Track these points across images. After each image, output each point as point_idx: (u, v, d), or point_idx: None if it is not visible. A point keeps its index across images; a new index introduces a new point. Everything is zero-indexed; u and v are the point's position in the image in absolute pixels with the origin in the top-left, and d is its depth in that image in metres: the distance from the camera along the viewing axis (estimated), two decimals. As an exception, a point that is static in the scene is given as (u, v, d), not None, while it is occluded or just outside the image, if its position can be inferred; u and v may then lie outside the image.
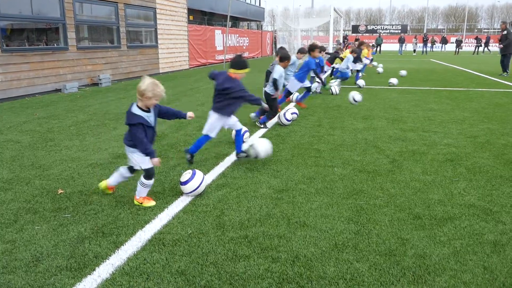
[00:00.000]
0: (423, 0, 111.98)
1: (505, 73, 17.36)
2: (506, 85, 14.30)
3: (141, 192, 4.04)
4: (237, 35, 29.41)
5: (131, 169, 4.14)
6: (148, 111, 3.85)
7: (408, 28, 76.20)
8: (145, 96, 3.70)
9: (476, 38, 44.45)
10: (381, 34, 55.60)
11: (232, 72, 5.12)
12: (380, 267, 2.95)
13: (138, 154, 3.90)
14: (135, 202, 4.07)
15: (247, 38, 31.77)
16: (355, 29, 72.15)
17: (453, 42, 46.80)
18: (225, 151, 5.95)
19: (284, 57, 7.44)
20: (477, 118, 8.31)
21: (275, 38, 36.24)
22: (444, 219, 3.74)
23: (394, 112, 8.99)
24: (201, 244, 3.27)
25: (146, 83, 3.70)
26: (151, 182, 4.02)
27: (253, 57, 32.68)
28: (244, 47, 30.87)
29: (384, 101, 10.67)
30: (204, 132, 5.29)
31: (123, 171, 4.16)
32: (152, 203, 4.07)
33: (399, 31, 67.86)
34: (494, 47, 32.20)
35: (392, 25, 76.81)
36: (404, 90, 12.85)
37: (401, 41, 41.02)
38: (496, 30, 68.24)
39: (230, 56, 26.10)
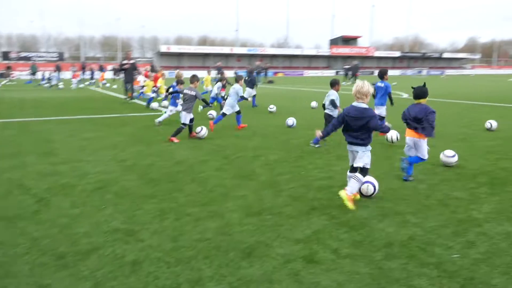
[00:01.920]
0: (78, 28, 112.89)
1: (128, 98, 18.61)
2: (153, 109, 15.95)
3: (354, 188, 4.76)
4: None
5: (354, 169, 4.99)
6: None
7: (66, 55, 75.02)
8: (368, 95, 4.74)
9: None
10: (36, 61, 52.54)
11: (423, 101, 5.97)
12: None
13: (367, 152, 4.90)
14: (344, 196, 4.69)
15: None
16: (6, 55, 65.40)
17: (111, 70, 49.08)
18: None
19: (333, 83, 8.63)
20: (128, 142, 8.87)
21: None
22: (89, 251, 3.72)
23: (46, 145, 8.51)
24: None
25: (366, 84, 4.75)
26: (363, 179, 4.88)
27: None
28: None
29: (36, 134, 9.99)
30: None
31: (351, 174, 4.99)
32: (352, 205, 4.69)
33: (57, 58, 65.95)
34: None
35: (49, 52, 73.91)
36: (60, 121, 12.44)
37: (58, 69, 39.87)
38: (147, 59, 75.91)
39: None
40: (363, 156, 4.89)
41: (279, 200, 5.11)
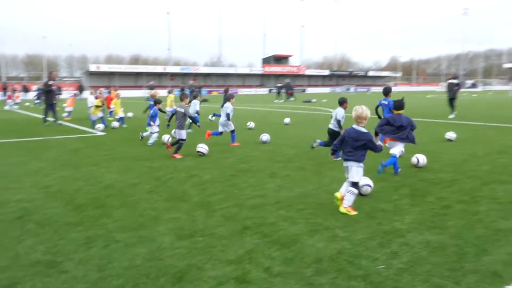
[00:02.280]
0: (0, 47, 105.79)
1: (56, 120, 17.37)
2: (82, 130, 15.32)
3: (350, 200, 5.28)
4: None
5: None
6: None
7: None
8: (367, 119, 5.38)
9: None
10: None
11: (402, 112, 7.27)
12: None
13: (360, 168, 5.39)
14: (343, 210, 5.24)
15: None
16: None
17: (35, 90, 46.54)
18: None
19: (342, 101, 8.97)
20: (53, 167, 8.40)
21: None
22: (6, 287, 3.44)
23: (-41, 173, 7.83)
24: None
25: (365, 109, 5.37)
26: (357, 191, 5.38)
27: None
28: None
29: (-51, 161, 9.17)
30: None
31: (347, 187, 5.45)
32: (354, 212, 5.22)
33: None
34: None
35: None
36: (-23, 145, 11.53)
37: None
38: (76, 78, 72.98)
39: None
40: (356, 172, 5.41)
41: (212, 220, 5.07)
